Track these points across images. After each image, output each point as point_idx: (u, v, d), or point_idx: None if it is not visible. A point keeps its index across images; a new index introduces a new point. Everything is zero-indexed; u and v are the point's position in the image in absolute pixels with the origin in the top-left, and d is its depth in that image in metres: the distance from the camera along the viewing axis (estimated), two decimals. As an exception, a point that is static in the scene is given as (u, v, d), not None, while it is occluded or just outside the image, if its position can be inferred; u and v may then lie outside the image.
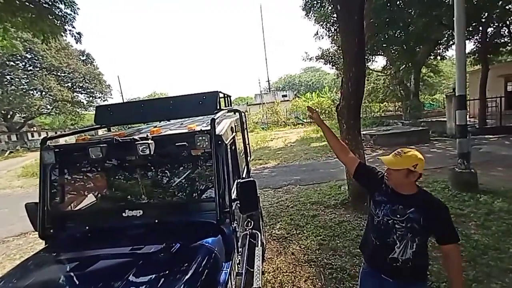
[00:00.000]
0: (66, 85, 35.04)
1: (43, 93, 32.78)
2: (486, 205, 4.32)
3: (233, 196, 2.02)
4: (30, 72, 31.58)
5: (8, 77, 30.12)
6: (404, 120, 15.24)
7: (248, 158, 3.29)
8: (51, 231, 1.96)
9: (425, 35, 11.61)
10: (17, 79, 30.84)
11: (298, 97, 31.43)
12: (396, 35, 12.09)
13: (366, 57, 6.24)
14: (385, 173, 1.56)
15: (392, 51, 14.00)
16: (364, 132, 11.26)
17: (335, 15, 13.25)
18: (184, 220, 1.91)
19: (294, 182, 7.05)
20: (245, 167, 2.99)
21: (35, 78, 31.15)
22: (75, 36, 5.01)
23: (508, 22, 12.56)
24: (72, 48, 34.95)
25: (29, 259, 1.73)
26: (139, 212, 1.92)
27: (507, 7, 11.08)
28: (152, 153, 1.81)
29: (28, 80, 31.19)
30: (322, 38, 14.76)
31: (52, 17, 4.85)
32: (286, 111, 26.77)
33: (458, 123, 5.11)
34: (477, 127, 11.26)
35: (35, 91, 32.63)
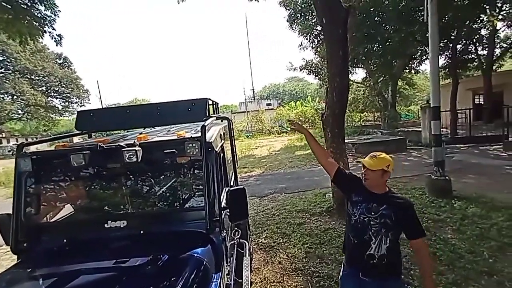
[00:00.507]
0: (40, 89, 33.33)
1: (15, 97, 30.91)
2: (460, 210, 4.57)
3: (223, 204, 1.99)
4: (1, 74, 29.75)
5: (-27, 78, 28.20)
6: (383, 130, 15.92)
7: (236, 165, 3.27)
8: (25, 244, 1.81)
9: (401, 50, 12.36)
10: (-16, 81, 28.93)
11: (283, 106, 31.97)
12: (374, 49, 12.76)
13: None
14: (364, 175, 1.72)
15: (371, 64, 14.73)
16: (346, 141, 11.57)
17: (318, 28, 13.81)
18: (172, 230, 1.84)
19: (280, 190, 7.07)
20: (233, 174, 2.96)
21: (7, 81, 29.37)
22: (55, 38, 4.81)
23: (474, 40, 13.71)
24: (49, 50, 33.46)
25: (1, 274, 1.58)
26: (123, 223, 1.83)
27: (473, 26, 12.10)
28: (139, 160, 1.75)
29: (-1, 83, 29.34)
30: (306, 49, 15.24)
31: (31, 19, 4.64)
32: (271, 120, 27.06)
33: (433, 133, 5.41)
34: (449, 136, 11.99)
35: (5, 95, 30.68)
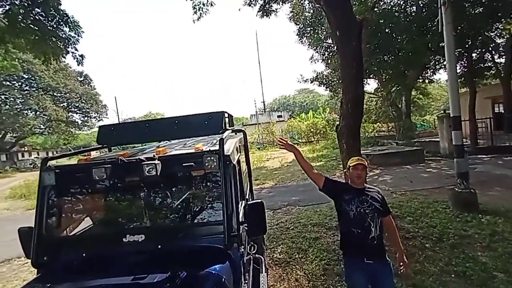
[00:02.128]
0: (61, 105, 34.98)
1: (38, 112, 32.56)
2: (489, 225, 4.28)
3: (240, 218, 1.94)
4: (26, 92, 31.57)
5: (3, 96, 29.97)
6: (398, 140, 15.50)
7: (251, 178, 3.23)
8: (45, 258, 1.82)
9: (413, 60, 12.19)
10: (12, 99, 30.69)
11: (293, 117, 31.96)
12: (386, 59, 12.66)
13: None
14: (358, 172, 2.10)
15: (383, 75, 14.59)
16: (361, 152, 11.36)
17: (328, 40, 13.95)
18: (190, 244, 1.81)
19: (293, 203, 6.92)
20: (248, 187, 2.92)
21: (31, 98, 31.07)
22: (77, 58, 5.08)
23: (490, 48, 13.37)
24: (71, 69, 35.41)
25: None
26: (141, 237, 1.81)
27: (489, 34, 11.83)
28: (158, 174, 1.76)
29: (23, 100, 31.07)
30: (317, 61, 15.36)
31: (56, 39, 4.94)
32: (282, 131, 27.04)
33: (455, 143, 5.20)
34: (470, 147, 11.50)
35: (29, 111, 32.39)
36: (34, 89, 32.24)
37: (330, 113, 28.68)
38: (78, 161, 2.03)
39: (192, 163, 1.87)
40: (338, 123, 4.75)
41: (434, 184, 7.22)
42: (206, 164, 1.80)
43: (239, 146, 2.82)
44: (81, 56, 5.00)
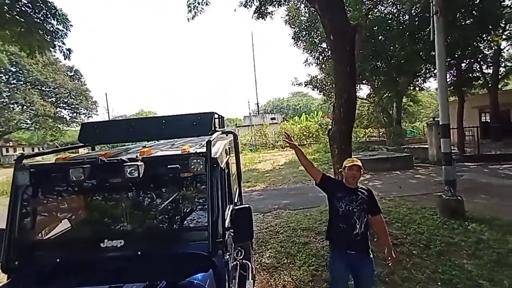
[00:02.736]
0: (49, 100, 34.01)
1: (24, 107, 31.56)
2: (475, 233, 4.34)
3: (226, 223, 1.87)
4: (12, 85, 30.57)
5: (-13, 88, 28.94)
6: (388, 146, 15.73)
7: (241, 181, 3.16)
8: (16, 263, 1.70)
9: (405, 67, 12.41)
10: (-4, 92, 29.68)
11: (287, 120, 32.07)
12: (379, 66, 12.85)
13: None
14: (354, 172, 2.25)
15: (376, 81, 14.81)
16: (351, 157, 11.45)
17: (323, 45, 14.06)
18: (172, 251, 1.72)
19: (284, 206, 6.88)
20: (237, 190, 2.85)
21: (17, 92, 30.10)
22: (64, 52, 4.90)
23: (478, 59, 13.76)
24: (61, 63, 34.52)
25: None
26: (120, 242, 1.72)
27: (478, 45, 12.17)
28: (141, 175, 1.67)
29: (9, 94, 30.07)
30: (311, 65, 15.45)
31: (43, 32, 4.76)
32: (275, 134, 27.06)
33: (443, 151, 5.27)
34: (458, 154, 11.76)
35: (15, 105, 31.35)
36: (22, 82, 31.26)
37: (323, 117, 28.91)
38: (56, 160, 1.92)
39: (178, 165, 1.79)
40: (330, 127, 4.74)
41: (422, 191, 7.31)
42: (192, 167, 1.73)
43: (229, 148, 2.75)
44: (69, 50, 4.84)
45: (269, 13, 9.15)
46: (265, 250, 4.43)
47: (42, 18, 4.59)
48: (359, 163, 2.27)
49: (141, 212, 1.88)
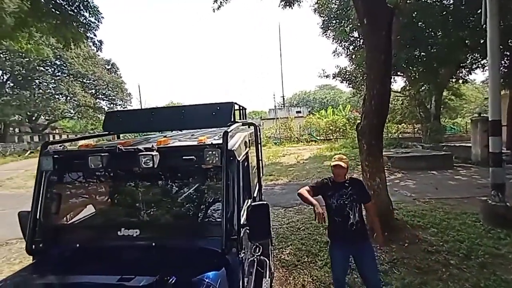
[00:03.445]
0: (90, 91, 36.57)
1: (68, 98, 34.30)
2: (527, 245, 3.80)
3: (243, 220, 1.77)
4: (57, 77, 33.31)
5: (37, 81, 31.84)
6: (424, 143, 14.56)
7: (261, 175, 3.04)
8: (41, 245, 1.77)
9: (448, 57, 11.21)
10: (45, 84, 32.53)
11: (313, 114, 31.15)
12: (417, 55, 11.75)
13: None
14: (338, 171, 2.44)
15: (413, 72, 13.61)
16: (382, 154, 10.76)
17: (354, 34, 13.23)
18: (186, 245, 1.67)
19: (306, 202, 6.66)
20: (257, 185, 2.73)
21: (62, 84, 32.75)
22: (96, 44, 5.12)
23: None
24: (99, 57, 36.87)
25: (12, 276, 1.54)
26: (136, 232, 1.70)
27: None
28: (155, 166, 1.61)
29: (55, 85, 32.84)
30: (341, 55, 14.68)
31: (76, 24, 4.98)
32: (300, 127, 26.47)
33: (492, 150, 4.66)
34: (508, 155, 10.49)
35: (60, 96, 34.17)
36: (65, 75, 33.90)
37: (351, 111, 27.60)
38: (79, 147, 1.94)
39: (193, 157, 1.71)
40: (359, 121, 4.40)
41: (463, 194, 6.62)
42: (207, 159, 1.63)
43: (249, 140, 2.63)
44: (100, 41, 5.05)
45: (297, 0, 8.72)
46: (285, 246, 4.31)
47: (75, 10, 4.80)
48: (344, 163, 2.43)
49: (157, 202, 1.85)
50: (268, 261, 2.69)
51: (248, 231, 1.70)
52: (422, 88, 15.23)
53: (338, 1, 13.46)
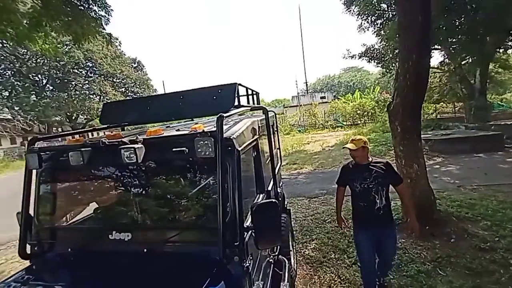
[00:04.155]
0: (120, 90, 38.48)
1: (101, 97, 36.44)
2: None
3: (248, 223, 1.47)
4: (90, 78, 35.45)
5: (72, 83, 34.18)
6: (467, 123, 13.01)
7: (276, 168, 2.71)
8: (35, 248, 1.64)
9: (495, 23, 9.59)
10: (79, 85, 34.83)
11: (338, 98, 29.61)
12: (459, 22, 10.24)
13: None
14: (352, 156, 2.33)
15: (453, 43, 12.00)
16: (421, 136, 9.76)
17: (382, 4, 11.94)
18: (180, 252, 1.42)
19: (332, 192, 6.17)
20: (272, 179, 2.40)
21: (94, 84, 34.83)
22: (105, 37, 5.05)
23: None
24: (126, 56, 38.46)
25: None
26: (128, 236, 1.49)
27: None
28: (139, 160, 1.36)
29: (88, 86, 35.03)
30: (367, 30, 13.51)
31: (87, 20, 4.92)
32: (325, 113, 25.35)
33: None
34: None
35: (94, 95, 36.39)
36: (97, 76, 35.95)
37: (380, 93, 25.68)
38: (68, 142, 1.76)
39: (185, 148, 1.43)
40: (391, 100, 3.82)
41: (518, 179, 5.68)
42: (199, 150, 1.34)
43: (259, 127, 2.30)
44: (109, 35, 4.97)
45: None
46: (309, 240, 3.98)
47: (84, 5, 4.73)
48: (352, 145, 2.26)
49: (149, 203, 1.61)
50: (286, 262, 2.39)
51: (253, 235, 1.40)
52: (464, 61, 13.47)
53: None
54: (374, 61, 15.67)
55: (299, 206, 5.52)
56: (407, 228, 2.38)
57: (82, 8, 4.76)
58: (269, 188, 2.44)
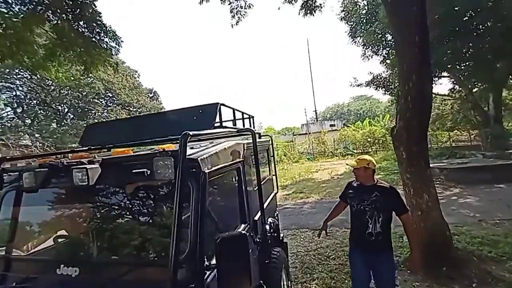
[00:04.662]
0: (134, 117, 40.13)
1: (117, 125, 37.92)
2: None
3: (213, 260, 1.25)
4: (109, 107, 37.44)
5: (92, 111, 36.11)
6: (485, 152, 12.34)
7: (270, 196, 2.50)
8: None
9: (505, 47, 9.47)
10: (98, 113, 36.70)
11: (347, 126, 29.41)
12: (465, 48, 10.13)
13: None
14: (354, 174, 2.33)
15: (461, 69, 11.86)
16: (432, 165, 9.22)
17: (387, 36, 12.23)
18: None
19: (339, 223, 5.69)
20: (261, 211, 2.17)
21: (112, 112, 36.64)
22: (113, 66, 5.30)
23: None
24: (143, 87, 40.85)
25: None
26: (75, 271, 1.30)
27: None
28: (91, 183, 1.22)
29: (107, 114, 36.86)
30: (371, 57, 13.78)
31: (99, 50, 5.22)
32: (334, 141, 25.02)
33: None
34: None
35: (111, 124, 37.94)
36: (115, 105, 37.98)
37: (391, 120, 25.35)
38: (39, 164, 1.66)
39: (145, 170, 1.29)
40: (394, 124, 3.62)
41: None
42: (158, 171, 1.20)
43: (246, 151, 2.14)
44: (116, 63, 5.23)
45: (317, 6, 8.31)
46: (310, 280, 3.57)
47: (96, 37, 5.05)
48: (363, 163, 2.20)
49: (101, 233, 1.43)
50: None
51: (216, 274, 1.18)
52: (476, 87, 13.22)
53: (366, 5, 12.78)
54: (381, 89, 15.69)
55: (301, 239, 5.10)
56: (409, 263, 2.31)
57: (95, 40, 5.07)
58: (256, 218, 2.21)
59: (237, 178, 1.91)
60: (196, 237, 1.17)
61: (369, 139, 22.62)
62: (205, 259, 1.20)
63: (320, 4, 8.30)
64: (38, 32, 5.10)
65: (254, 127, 3.52)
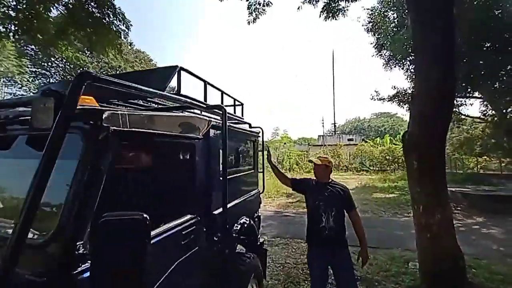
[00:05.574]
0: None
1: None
2: None
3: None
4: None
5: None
6: (517, 182, 11.10)
7: (252, 192, 2.16)
8: None
9: None
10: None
11: (365, 141, 28.22)
12: (497, 62, 9.09)
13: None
14: (314, 170, 2.45)
15: (495, 88, 10.79)
16: (454, 189, 8.34)
17: (410, 45, 11.53)
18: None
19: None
20: (223, 205, 1.78)
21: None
22: (116, 47, 5.25)
23: None
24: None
25: None
26: None
27: None
28: None
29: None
30: (395, 66, 13.21)
31: (107, 32, 5.20)
32: (350, 155, 24.03)
33: None
34: None
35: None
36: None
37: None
38: None
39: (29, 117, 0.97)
40: (406, 130, 3.12)
41: None
42: (37, 117, 0.87)
43: (207, 128, 1.79)
44: (120, 45, 5.18)
45: (340, 10, 7.91)
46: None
47: (108, 19, 5.04)
48: (326, 162, 2.37)
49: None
50: None
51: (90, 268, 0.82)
52: (510, 108, 12.06)
53: (396, 18, 12.19)
54: (405, 105, 14.79)
55: (293, 250, 4.62)
56: (359, 258, 2.24)
57: (105, 21, 5.04)
58: (215, 212, 1.84)
59: (189, 157, 1.56)
60: (68, 214, 0.83)
61: (387, 157, 21.44)
62: (83, 246, 0.86)
63: (344, 8, 7.90)
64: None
65: (242, 115, 3.18)
